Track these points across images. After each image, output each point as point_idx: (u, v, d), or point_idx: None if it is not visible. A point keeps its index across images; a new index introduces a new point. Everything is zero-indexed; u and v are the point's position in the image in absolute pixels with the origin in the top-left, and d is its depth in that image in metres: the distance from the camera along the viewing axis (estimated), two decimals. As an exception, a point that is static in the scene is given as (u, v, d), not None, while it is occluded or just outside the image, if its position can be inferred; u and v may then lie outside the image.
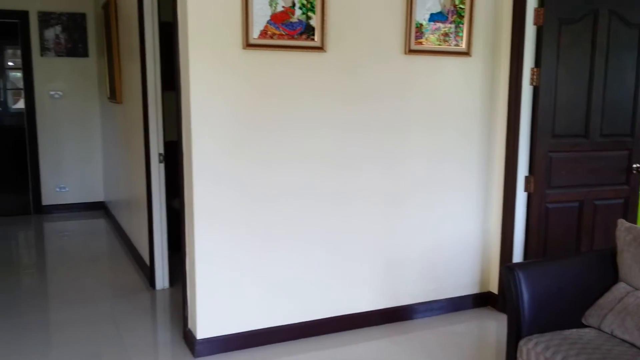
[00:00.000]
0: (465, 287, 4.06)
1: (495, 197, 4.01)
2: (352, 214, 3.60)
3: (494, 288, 4.10)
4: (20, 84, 9.72)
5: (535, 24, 3.70)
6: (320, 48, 3.31)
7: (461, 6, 3.68)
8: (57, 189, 7.02)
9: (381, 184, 3.66)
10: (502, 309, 3.95)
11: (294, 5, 3.20)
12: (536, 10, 3.69)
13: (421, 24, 3.58)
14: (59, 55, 6.79)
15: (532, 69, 3.73)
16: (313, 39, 3.28)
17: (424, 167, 3.79)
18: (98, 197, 7.19)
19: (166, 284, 4.46)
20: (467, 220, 3.99)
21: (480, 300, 4.11)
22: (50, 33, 6.70)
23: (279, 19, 3.18)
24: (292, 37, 3.23)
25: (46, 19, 6.65)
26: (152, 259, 4.43)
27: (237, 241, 3.31)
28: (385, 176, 3.67)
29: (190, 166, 3.19)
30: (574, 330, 2.56)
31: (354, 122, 3.52)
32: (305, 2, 3.23)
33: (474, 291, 4.10)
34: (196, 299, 3.29)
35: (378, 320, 3.78)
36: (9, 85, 9.93)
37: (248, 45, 3.14)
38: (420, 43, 3.61)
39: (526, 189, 3.86)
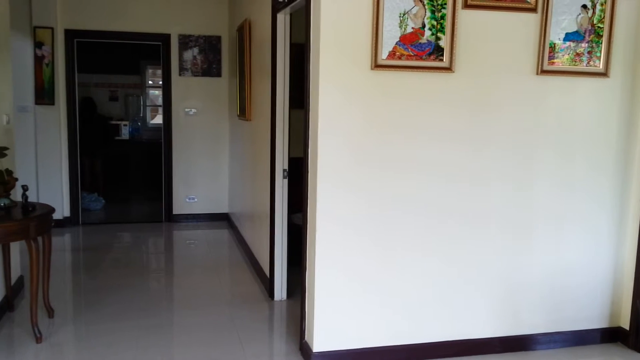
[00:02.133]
0: (591, 320, 3.82)
1: (630, 230, 3.76)
2: (474, 235, 3.53)
3: (625, 323, 3.82)
4: (158, 101, 10.54)
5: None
6: (449, 69, 3.31)
7: (600, 25, 3.52)
8: (187, 199, 7.47)
9: (505, 207, 3.56)
10: (634, 347, 3.67)
11: (423, 26, 3.23)
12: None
13: (555, 44, 3.47)
14: (195, 75, 7.27)
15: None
16: (442, 60, 3.28)
17: (549, 194, 3.63)
18: (223, 208, 7.57)
19: (284, 295, 4.59)
20: (595, 251, 3.77)
21: (608, 336, 3.85)
22: (188, 54, 7.20)
23: (408, 40, 3.22)
24: (420, 58, 3.25)
25: (185, 41, 7.16)
26: (272, 270, 4.59)
27: (357, 255, 3.36)
28: (509, 199, 3.56)
29: (315, 179, 3.29)
30: None
31: (479, 143, 3.46)
32: (435, 24, 3.24)
33: (602, 325, 3.85)
34: (314, 311, 3.36)
35: (496, 348, 3.65)
36: (148, 102, 10.74)
37: (376, 66, 3.20)
38: (553, 63, 3.49)
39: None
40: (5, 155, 3.80)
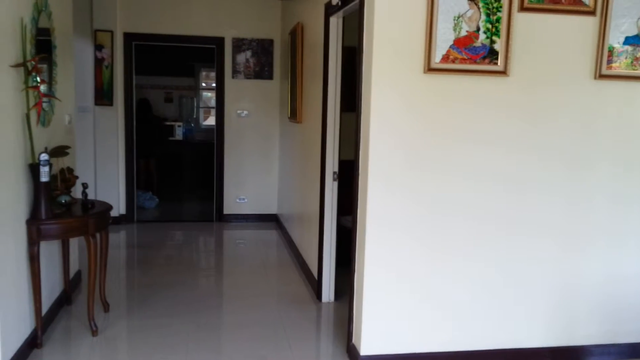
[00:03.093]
0: (650, 334, 3.70)
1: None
2: (526, 243, 3.47)
3: (687, 340, 3.69)
4: (210, 103, 10.75)
5: None
6: (503, 72, 3.26)
7: (662, 29, 3.41)
8: (237, 200, 7.59)
9: (559, 216, 3.49)
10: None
11: (478, 29, 3.20)
12: None
13: (613, 48, 3.38)
14: (247, 78, 7.38)
15: None
16: (496, 63, 3.24)
17: (605, 205, 3.54)
18: (272, 209, 7.65)
19: (332, 297, 4.61)
20: (657, 261, 3.64)
21: (669, 352, 3.72)
22: (241, 57, 7.32)
23: (462, 44, 3.19)
24: (474, 62, 3.22)
25: (239, 44, 7.29)
26: (320, 272, 4.61)
27: (407, 258, 3.35)
28: (563, 209, 3.49)
29: (365, 182, 3.30)
30: None
31: (533, 149, 3.40)
32: (490, 27, 3.21)
33: (661, 339, 3.72)
34: (362, 314, 3.36)
35: (546, 359, 3.57)
36: (201, 104, 10.97)
37: (429, 69, 3.19)
38: (611, 68, 3.40)
39: None
40: (67, 154, 3.96)
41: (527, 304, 3.52)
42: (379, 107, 3.21)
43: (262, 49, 7.33)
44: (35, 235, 3.45)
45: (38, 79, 3.52)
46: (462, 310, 3.45)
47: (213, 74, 8.58)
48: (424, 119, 3.26)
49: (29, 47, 3.42)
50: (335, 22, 4.33)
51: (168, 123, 10.18)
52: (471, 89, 3.28)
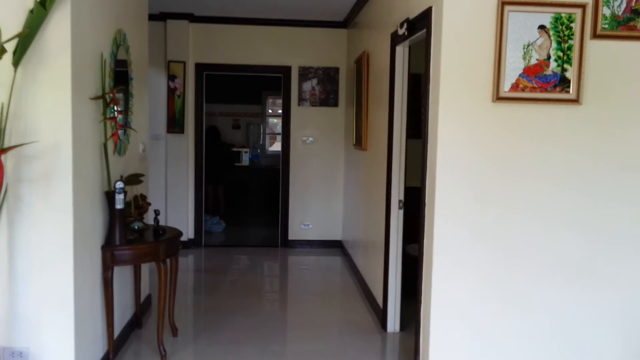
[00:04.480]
0: None
1: None
2: (597, 291, 3.31)
3: None
4: (276, 129, 10.93)
5: None
6: (575, 101, 3.17)
7: None
8: (302, 226, 7.64)
9: (635, 266, 3.32)
10: None
11: (549, 57, 3.13)
12: None
13: (696, 75, 3.22)
14: (312, 105, 7.48)
15: None
16: (568, 92, 3.16)
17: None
18: (336, 235, 7.65)
19: (397, 327, 4.54)
20: None
21: None
22: (307, 85, 7.43)
23: (532, 72, 3.13)
24: (545, 90, 3.15)
25: (305, 72, 7.41)
26: (385, 301, 4.56)
27: (474, 295, 3.27)
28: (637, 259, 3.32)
29: (432, 215, 3.26)
30: None
31: (608, 187, 3.26)
32: (561, 55, 3.13)
33: None
34: (429, 348, 3.30)
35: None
36: (267, 130, 11.18)
37: (498, 98, 3.14)
38: (694, 95, 3.24)
39: None
40: (141, 181, 4.11)
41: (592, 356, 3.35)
42: (446, 137, 3.18)
43: (328, 76, 7.43)
44: (109, 260, 3.59)
45: (115, 110, 3.69)
46: (531, 353, 3.32)
47: (279, 101, 8.73)
48: (491, 149, 3.20)
49: (107, 80, 3.60)
50: (402, 50, 4.34)
51: (235, 149, 10.41)
52: (541, 118, 3.20)
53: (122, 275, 4.15)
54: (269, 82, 8.69)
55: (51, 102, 3.05)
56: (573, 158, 3.23)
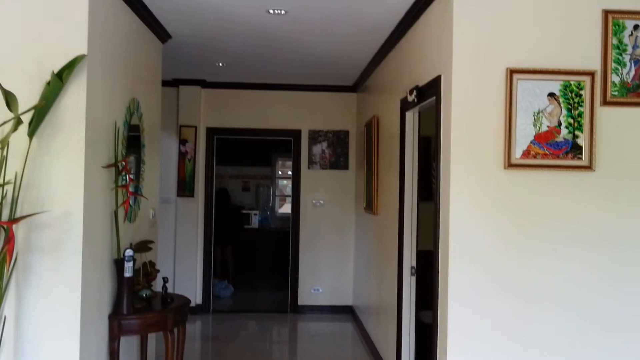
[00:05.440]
0: None
1: None
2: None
3: None
4: (286, 191, 10.95)
5: None
6: (588, 167, 3.15)
7: None
8: (312, 291, 7.52)
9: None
10: None
11: (559, 124, 3.14)
12: None
13: None
14: (323, 168, 7.51)
15: None
16: (580, 158, 3.15)
17: None
18: (347, 301, 7.51)
19: (411, 398, 4.39)
20: None
21: None
22: (317, 148, 7.49)
23: (543, 139, 3.13)
24: (557, 157, 3.14)
25: (315, 136, 7.48)
26: (398, 370, 4.43)
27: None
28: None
29: (445, 285, 3.20)
30: None
31: (627, 264, 3.18)
32: (572, 121, 3.14)
33: None
34: (445, 422, 3.17)
35: None
36: (277, 192, 11.20)
37: (510, 165, 3.13)
38: None
39: None
40: (150, 249, 4.09)
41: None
42: (458, 206, 3.16)
43: (338, 140, 7.48)
44: (116, 330, 3.52)
45: (127, 178, 3.71)
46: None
47: (289, 163, 8.78)
48: (504, 217, 3.18)
49: (120, 148, 3.63)
50: (411, 116, 4.37)
51: (245, 211, 10.41)
52: (554, 185, 3.18)
53: (129, 344, 4.06)
54: (279, 144, 8.78)
55: (64, 171, 3.07)
56: (588, 228, 3.18)
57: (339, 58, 5.77)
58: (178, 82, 7.14)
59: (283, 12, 4.19)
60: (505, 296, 3.18)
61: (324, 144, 7.48)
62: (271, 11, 4.18)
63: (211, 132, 7.38)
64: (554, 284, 3.17)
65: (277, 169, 11.21)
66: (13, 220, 2.90)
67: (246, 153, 10.32)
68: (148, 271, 4.05)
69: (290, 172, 8.09)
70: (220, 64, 6.20)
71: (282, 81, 7.19)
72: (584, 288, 3.18)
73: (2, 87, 2.85)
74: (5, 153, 2.87)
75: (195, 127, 7.21)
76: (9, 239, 2.81)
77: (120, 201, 3.60)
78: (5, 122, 2.86)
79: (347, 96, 7.46)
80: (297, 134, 7.51)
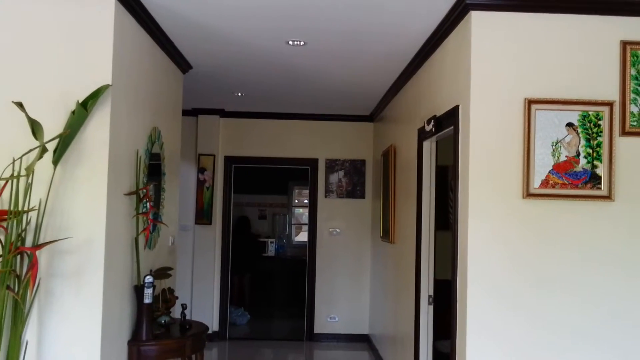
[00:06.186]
0: None
1: None
2: None
3: None
4: (302, 219, 10.97)
5: None
6: (608, 197, 3.15)
7: None
8: (328, 319, 7.48)
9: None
10: None
11: (578, 154, 3.14)
12: None
13: None
14: (339, 197, 7.53)
15: None
16: (599, 188, 3.14)
17: None
18: (363, 329, 7.45)
19: None
20: None
21: None
22: (334, 177, 7.52)
23: (562, 169, 3.14)
24: (575, 187, 3.14)
25: (332, 165, 7.52)
26: (416, 402, 4.37)
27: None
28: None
29: (464, 315, 3.18)
30: None
31: None
32: (590, 151, 3.15)
33: None
34: None
35: None
36: (293, 220, 11.23)
37: (528, 195, 3.14)
38: None
39: None
40: (169, 275, 4.12)
41: None
42: (476, 232, 3.16)
43: (354, 168, 7.52)
44: (135, 356, 3.54)
45: (148, 205, 3.76)
46: None
47: (306, 191, 8.82)
48: (523, 247, 3.18)
49: (141, 176, 3.69)
50: (429, 146, 4.40)
51: (261, 239, 10.44)
52: (573, 214, 3.18)
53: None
54: (296, 172, 8.83)
55: (87, 198, 3.13)
56: (609, 258, 3.16)
57: (356, 88, 5.84)
58: (197, 112, 7.25)
59: (302, 43, 4.27)
60: (524, 327, 3.15)
61: (341, 173, 7.51)
62: (290, 42, 4.26)
63: (229, 160, 7.45)
64: (573, 316, 3.14)
65: (293, 197, 11.26)
66: (37, 246, 2.95)
67: (263, 181, 10.38)
68: (167, 298, 4.07)
69: (306, 201, 8.12)
70: (239, 94, 6.30)
71: (300, 110, 7.27)
72: (602, 321, 3.15)
73: (28, 116, 2.93)
74: (30, 180, 2.94)
75: (214, 156, 7.29)
76: (33, 265, 2.86)
77: (140, 228, 3.64)
78: (31, 150, 2.92)
79: (364, 125, 7.52)
80: (314, 162, 7.56)
